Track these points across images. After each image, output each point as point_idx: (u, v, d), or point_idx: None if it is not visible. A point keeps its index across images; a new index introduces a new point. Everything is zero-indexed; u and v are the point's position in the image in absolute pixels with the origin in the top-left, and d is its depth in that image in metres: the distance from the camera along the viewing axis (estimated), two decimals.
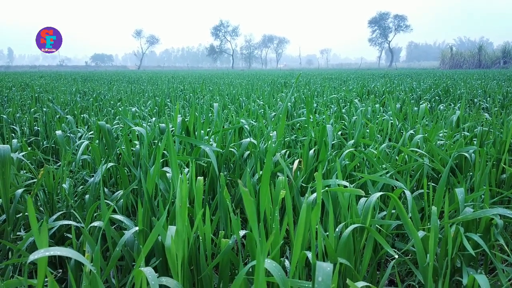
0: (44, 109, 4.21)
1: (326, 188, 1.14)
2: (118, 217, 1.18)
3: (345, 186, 1.37)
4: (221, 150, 1.71)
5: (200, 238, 1.08)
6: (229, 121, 3.09)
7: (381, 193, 1.14)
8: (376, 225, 1.27)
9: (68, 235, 1.46)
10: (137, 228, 1.11)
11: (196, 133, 1.83)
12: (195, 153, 1.52)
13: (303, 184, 1.52)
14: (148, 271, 0.81)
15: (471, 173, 2.01)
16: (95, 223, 1.19)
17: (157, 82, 13.76)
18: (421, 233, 1.17)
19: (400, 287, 1.18)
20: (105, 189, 1.76)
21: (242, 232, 1.09)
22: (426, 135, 2.05)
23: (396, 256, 1.09)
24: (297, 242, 0.90)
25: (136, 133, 1.96)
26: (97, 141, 1.97)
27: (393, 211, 1.46)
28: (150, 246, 0.94)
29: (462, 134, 2.46)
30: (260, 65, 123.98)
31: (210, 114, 3.42)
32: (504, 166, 1.65)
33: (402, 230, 1.50)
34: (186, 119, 1.98)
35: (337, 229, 1.10)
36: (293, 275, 0.94)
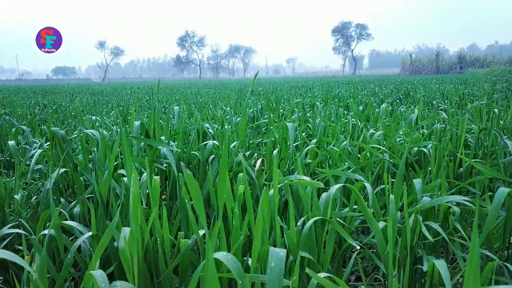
0: None
1: (286, 181, 1.13)
2: (70, 223, 1.11)
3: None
4: (178, 150, 1.67)
5: (158, 240, 1.04)
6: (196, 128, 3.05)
7: (340, 184, 1.14)
8: (340, 221, 1.27)
9: (20, 247, 1.37)
10: (90, 233, 1.05)
11: (156, 137, 1.78)
12: (152, 155, 1.47)
13: (266, 183, 1.51)
14: (98, 274, 0.77)
15: (430, 168, 2.07)
16: (45, 231, 1.12)
17: (122, 93, 13.46)
18: (381, 224, 1.18)
19: (364, 280, 1.19)
20: (62, 199, 1.67)
21: (202, 232, 1.06)
22: (385, 132, 2.09)
23: (358, 247, 1.09)
24: (256, 235, 0.88)
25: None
26: (53, 150, 1.88)
27: (356, 206, 1.47)
28: (103, 249, 0.89)
29: (421, 131, 2.54)
30: (228, 75, 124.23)
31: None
32: (460, 156, 1.70)
33: (367, 224, 1.51)
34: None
35: (298, 223, 1.09)
36: (255, 271, 0.92)
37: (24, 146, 2.67)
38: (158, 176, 1.08)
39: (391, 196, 1.07)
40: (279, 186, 1.20)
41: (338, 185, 1.13)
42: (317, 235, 1.12)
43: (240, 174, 1.18)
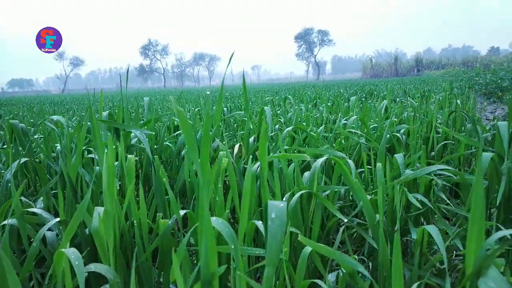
0: None
1: (271, 155, 1.08)
2: (36, 210, 1.01)
3: (288, 160, 1.32)
4: (149, 134, 1.58)
5: (135, 222, 0.95)
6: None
7: (325, 157, 1.10)
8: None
9: None
10: (58, 219, 0.95)
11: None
12: (123, 141, 1.38)
13: (245, 166, 1.45)
14: (71, 251, 0.68)
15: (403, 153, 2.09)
16: (6, 221, 1.01)
17: (83, 102, 12.99)
18: (368, 196, 1.15)
19: (351, 253, 1.15)
20: (22, 198, 1.54)
21: (182, 212, 0.99)
22: (360, 117, 2.10)
23: (346, 220, 1.05)
24: (243, 209, 0.82)
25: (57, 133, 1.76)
26: (11, 145, 1.73)
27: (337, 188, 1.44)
28: (73, 232, 0.80)
29: (392, 119, 2.58)
30: (193, 83, 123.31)
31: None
32: (442, 127, 1.72)
33: (348, 202, 1.48)
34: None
35: (283, 198, 1.04)
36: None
37: None
38: (133, 155, 1.00)
39: (378, 164, 1.04)
40: (259, 165, 1.15)
41: (323, 158, 1.09)
42: (303, 210, 1.07)
43: (221, 153, 1.11)
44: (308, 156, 1.02)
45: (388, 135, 2.17)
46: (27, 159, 1.36)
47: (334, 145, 2.04)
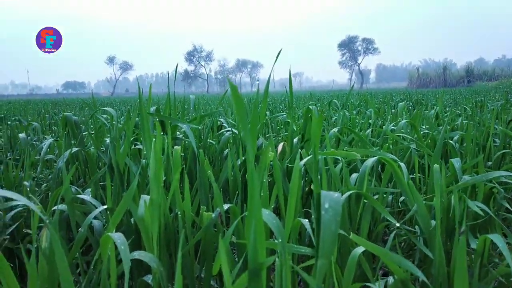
0: (9, 122, 3.97)
1: (318, 152, 1.04)
2: (84, 197, 1.03)
3: (335, 160, 1.27)
4: (196, 127, 1.58)
5: (179, 213, 0.95)
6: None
7: (376, 157, 1.04)
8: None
9: (29, 230, 1.29)
10: (105, 206, 0.96)
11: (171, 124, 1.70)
12: (171, 133, 1.39)
13: (289, 165, 1.42)
14: (117, 236, 0.68)
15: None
16: (56, 207, 1.03)
17: (130, 104, 13.51)
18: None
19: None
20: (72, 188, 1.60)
21: (226, 206, 0.97)
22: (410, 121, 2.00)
23: (397, 225, 0.99)
24: (290, 205, 0.79)
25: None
26: (65, 138, 1.81)
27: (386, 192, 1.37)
28: (119, 219, 0.80)
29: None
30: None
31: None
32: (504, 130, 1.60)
33: (396, 208, 1.41)
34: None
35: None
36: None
37: (34, 142, 2.61)
38: (179, 147, 0.99)
39: (435, 165, 0.97)
40: (304, 163, 1.12)
41: (373, 158, 1.03)
42: (351, 211, 1.02)
43: (267, 148, 1.09)
44: (358, 155, 0.97)
45: (444, 140, 2.05)
46: (78, 149, 1.40)
47: (382, 150, 1.95)
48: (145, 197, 0.83)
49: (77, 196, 1.03)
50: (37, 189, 1.69)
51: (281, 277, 0.62)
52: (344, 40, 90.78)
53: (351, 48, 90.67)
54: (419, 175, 1.64)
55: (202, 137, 2.02)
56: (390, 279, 0.91)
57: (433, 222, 0.94)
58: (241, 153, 1.54)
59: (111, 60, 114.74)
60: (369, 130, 1.82)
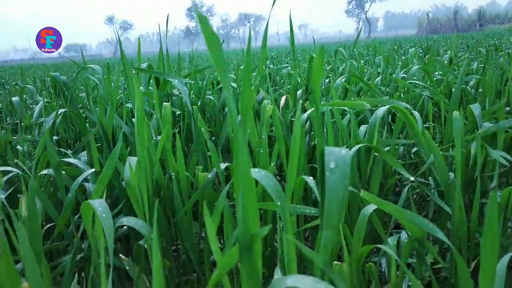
0: (7, 86, 3.89)
1: (323, 103, 0.94)
2: (71, 160, 0.96)
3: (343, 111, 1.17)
4: (189, 81, 1.48)
5: (173, 175, 0.87)
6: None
7: (387, 107, 0.94)
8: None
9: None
10: (93, 170, 0.89)
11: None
12: (162, 89, 1.29)
13: (292, 119, 1.32)
14: (98, 203, 0.61)
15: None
16: (45, 171, 0.97)
17: (135, 64, 13.28)
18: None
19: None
20: (69, 151, 1.53)
21: (224, 165, 0.89)
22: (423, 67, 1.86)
23: (412, 178, 0.90)
24: (292, 162, 0.70)
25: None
26: (57, 100, 1.72)
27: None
28: (106, 181, 0.73)
29: (462, 71, 2.29)
30: (239, 44, 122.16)
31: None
32: None
33: (409, 160, 1.32)
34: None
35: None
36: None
37: (31, 105, 2.54)
38: (169, 103, 0.90)
39: (455, 112, 0.87)
40: (309, 116, 1.02)
41: (384, 108, 0.93)
42: (360, 166, 0.94)
43: (265, 101, 0.99)
44: (368, 104, 0.87)
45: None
46: (65, 109, 1.31)
47: (392, 98, 1.84)
48: (132, 159, 0.75)
49: (63, 160, 0.96)
50: (35, 152, 1.63)
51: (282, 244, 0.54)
52: None
53: None
54: (433, 124, 1.54)
55: (202, 93, 1.91)
56: (404, 235, 0.84)
57: (451, 175, 0.86)
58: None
59: (110, 20, 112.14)
60: (379, 78, 1.70)
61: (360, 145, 0.89)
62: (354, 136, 0.97)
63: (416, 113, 1.08)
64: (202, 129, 0.93)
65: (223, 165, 0.88)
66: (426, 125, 1.52)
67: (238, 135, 0.41)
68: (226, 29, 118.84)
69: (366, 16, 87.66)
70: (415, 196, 1.29)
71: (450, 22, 52.42)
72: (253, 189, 0.41)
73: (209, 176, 0.83)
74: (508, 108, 1.91)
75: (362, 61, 3.88)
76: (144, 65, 1.58)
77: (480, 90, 2.00)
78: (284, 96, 1.38)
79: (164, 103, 0.89)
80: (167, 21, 1.55)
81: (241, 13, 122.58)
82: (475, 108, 1.10)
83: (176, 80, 1.13)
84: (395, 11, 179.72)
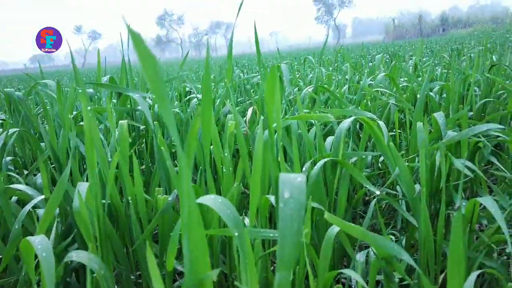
0: None
1: (287, 117, 0.91)
2: (19, 187, 0.89)
3: (309, 124, 1.15)
4: (149, 102, 1.43)
5: (130, 199, 0.82)
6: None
7: (352, 118, 0.92)
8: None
9: None
10: (42, 197, 0.83)
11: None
12: (122, 104, 1.23)
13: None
14: (38, 240, 0.55)
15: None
16: None
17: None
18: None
19: (385, 232, 1.00)
20: (25, 172, 1.44)
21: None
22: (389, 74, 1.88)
23: (378, 192, 0.89)
24: (254, 181, 0.67)
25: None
26: (11, 118, 1.62)
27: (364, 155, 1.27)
28: (54, 210, 0.67)
29: (423, 77, 2.34)
30: (211, 52, 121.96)
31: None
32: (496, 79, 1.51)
33: (377, 171, 1.32)
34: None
35: (303, 168, 0.88)
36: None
37: None
38: (125, 121, 0.85)
39: (418, 123, 0.86)
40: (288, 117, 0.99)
41: (349, 119, 0.91)
42: (326, 181, 0.91)
43: (229, 116, 0.96)
44: (332, 116, 0.85)
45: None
46: (17, 129, 1.23)
47: (359, 107, 1.84)
48: (82, 185, 0.70)
49: (10, 186, 0.89)
50: None
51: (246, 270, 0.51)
52: None
53: (326, 2, 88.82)
54: (399, 131, 1.55)
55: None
56: (372, 253, 0.82)
57: (417, 187, 0.85)
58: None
59: (78, 29, 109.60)
60: (346, 87, 1.70)
61: (325, 160, 0.86)
62: (320, 150, 0.94)
63: (381, 123, 1.07)
64: (162, 148, 0.88)
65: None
66: (392, 133, 1.53)
67: (181, 162, 0.38)
68: (198, 37, 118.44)
69: (335, 23, 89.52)
70: (384, 206, 1.28)
71: (415, 27, 54.29)
72: (200, 226, 0.37)
73: (169, 198, 0.79)
74: (471, 113, 1.96)
75: (330, 68, 3.92)
76: (105, 79, 1.52)
77: (444, 95, 2.04)
78: (251, 108, 1.35)
79: (120, 121, 0.84)
80: (130, 31, 1.50)
81: (212, 21, 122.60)
82: (439, 116, 1.10)
83: (137, 95, 1.08)
84: (362, 17, 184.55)
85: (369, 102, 1.81)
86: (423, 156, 0.77)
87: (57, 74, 21.82)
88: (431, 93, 1.91)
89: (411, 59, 3.00)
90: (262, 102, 1.49)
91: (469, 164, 0.97)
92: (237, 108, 1.75)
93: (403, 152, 1.39)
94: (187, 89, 2.30)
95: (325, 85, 2.26)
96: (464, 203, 0.87)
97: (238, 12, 1.20)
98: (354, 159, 1.22)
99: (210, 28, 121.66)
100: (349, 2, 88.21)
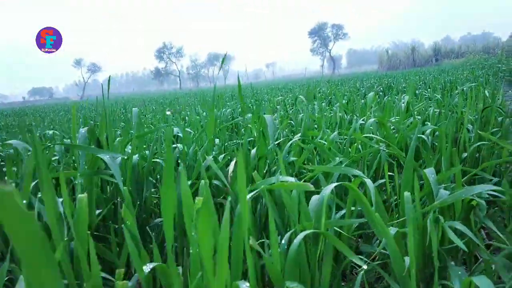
0: None
1: (263, 186, 0.84)
2: None
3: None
4: (124, 157, 1.37)
5: (85, 285, 0.74)
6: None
7: (334, 184, 0.86)
8: (335, 228, 1.00)
9: None
10: None
11: (110, 146, 1.47)
12: (92, 167, 1.15)
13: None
14: None
15: (431, 157, 1.82)
16: None
17: (98, 108, 13.00)
18: (392, 230, 0.91)
19: None
20: None
21: (149, 267, 0.76)
22: (379, 119, 1.83)
23: (365, 267, 0.81)
24: (219, 272, 0.60)
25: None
26: None
27: (353, 208, 1.19)
28: None
29: (415, 118, 2.30)
30: (208, 83, 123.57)
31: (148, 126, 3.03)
32: (484, 134, 1.46)
33: (366, 229, 1.24)
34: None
35: (283, 241, 0.81)
36: None
37: None
38: (85, 195, 0.78)
39: (406, 193, 0.79)
40: (255, 192, 0.92)
41: (332, 185, 0.85)
42: (308, 253, 0.83)
43: (202, 182, 0.89)
44: (312, 186, 0.78)
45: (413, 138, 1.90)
46: None
47: (350, 150, 1.79)
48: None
49: None
50: None
51: None
52: (314, 27, 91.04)
53: (321, 35, 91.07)
54: (390, 182, 1.48)
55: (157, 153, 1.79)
56: None
57: (406, 261, 0.77)
58: (193, 175, 1.33)
59: (78, 63, 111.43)
60: (335, 133, 1.64)
61: (306, 232, 0.79)
62: (303, 216, 0.87)
63: (369, 182, 1.00)
64: (128, 222, 0.80)
65: (149, 266, 0.75)
66: (382, 181, 1.46)
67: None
68: (196, 69, 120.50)
69: (330, 54, 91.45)
70: (375, 272, 1.19)
71: (408, 57, 55.39)
72: None
73: (130, 284, 0.71)
74: (465, 154, 1.91)
75: (323, 104, 3.90)
76: (82, 131, 1.46)
77: (437, 133, 1.99)
78: (234, 161, 1.29)
79: (79, 196, 0.77)
80: (109, 80, 1.45)
81: (210, 53, 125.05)
82: (430, 173, 1.04)
83: (107, 156, 1.01)
84: (357, 48, 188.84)
85: (360, 146, 1.75)
86: (411, 231, 0.70)
87: (54, 107, 21.93)
88: (423, 136, 1.86)
89: (404, 95, 2.97)
90: (246, 155, 1.43)
91: (462, 228, 0.90)
92: (224, 155, 1.68)
93: (393, 213, 1.31)
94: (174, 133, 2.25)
95: (316, 126, 2.22)
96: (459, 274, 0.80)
97: (222, 64, 1.15)
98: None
99: (208, 59, 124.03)
100: (343, 35, 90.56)
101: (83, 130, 1.46)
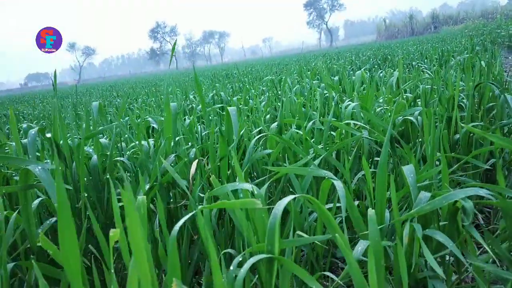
0: None
1: (201, 207, 0.71)
2: None
3: (252, 192, 0.96)
4: (53, 167, 1.24)
5: None
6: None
7: (290, 197, 0.73)
8: (303, 234, 0.88)
9: None
10: None
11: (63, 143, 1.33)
12: (22, 180, 1.01)
13: (200, 194, 1.09)
14: None
15: (420, 139, 1.68)
16: None
17: (93, 94, 12.77)
18: (364, 244, 0.78)
19: None
20: None
21: None
22: (362, 103, 1.69)
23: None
24: None
25: None
26: None
27: (339, 204, 1.07)
28: None
29: (404, 96, 2.15)
30: (205, 61, 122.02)
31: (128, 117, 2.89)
32: (468, 128, 1.32)
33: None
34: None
35: (231, 267, 0.69)
36: None
37: None
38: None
39: (370, 211, 0.67)
40: (204, 206, 0.79)
41: (287, 198, 0.72)
42: (262, 281, 0.71)
43: (139, 198, 0.76)
44: (260, 204, 0.65)
45: (400, 118, 1.75)
46: None
47: (333, 138, 1.65)
48: None
49: None
50: None
51: None
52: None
53: (316, 7, 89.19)
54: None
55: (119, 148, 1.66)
56: None
57: None
58: (148, 180, 1.20)
59: (72, 46, 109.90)
60: (311, 122, 1.51)
61: (257, 259, 0.67)
62: (251, 240, 0.75)
63: (338, 184, 0.88)
64: (51, 251, 0.68)
65: None
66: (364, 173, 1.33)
67: None
68: (191, 48, 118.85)
69: (327, 26, 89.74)
70: None
71: (406, 26, 54.40)
72: None
73: None
74: (457, 136, 1.77)
75: (314, 81, 3.72)
76: (33, 132, 1.32)
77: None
78: (195, 163, 1.15)
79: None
80: (55, 74, 1.30)
81: (205, 31, 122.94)
82: (408, 172, 0.91)
83: (38, 168, 0.88)
84: (354, 19, 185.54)
85: (343, 131, 1.62)
86: (372, 260, 0.58)
87: (50, 93, 21.63)
88: (411, 118, 1.72)
89: (395, 72, 2.78)
90: (213, 150, 1.29)
91: (443, 238, 0.77)
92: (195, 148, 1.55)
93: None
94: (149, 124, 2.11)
95: (297, 116, 2.07)
96: None
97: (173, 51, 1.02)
98: (313, 216, 1.02)
99: (203, 37, 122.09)
100: (339, 6, 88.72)
101: (32, 131, 1.33)
